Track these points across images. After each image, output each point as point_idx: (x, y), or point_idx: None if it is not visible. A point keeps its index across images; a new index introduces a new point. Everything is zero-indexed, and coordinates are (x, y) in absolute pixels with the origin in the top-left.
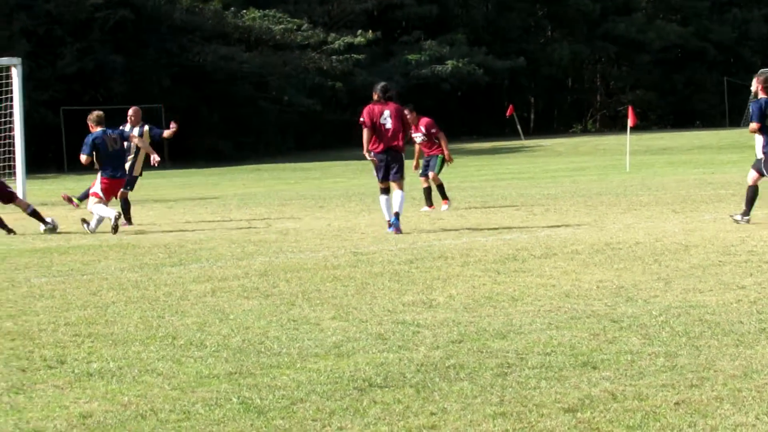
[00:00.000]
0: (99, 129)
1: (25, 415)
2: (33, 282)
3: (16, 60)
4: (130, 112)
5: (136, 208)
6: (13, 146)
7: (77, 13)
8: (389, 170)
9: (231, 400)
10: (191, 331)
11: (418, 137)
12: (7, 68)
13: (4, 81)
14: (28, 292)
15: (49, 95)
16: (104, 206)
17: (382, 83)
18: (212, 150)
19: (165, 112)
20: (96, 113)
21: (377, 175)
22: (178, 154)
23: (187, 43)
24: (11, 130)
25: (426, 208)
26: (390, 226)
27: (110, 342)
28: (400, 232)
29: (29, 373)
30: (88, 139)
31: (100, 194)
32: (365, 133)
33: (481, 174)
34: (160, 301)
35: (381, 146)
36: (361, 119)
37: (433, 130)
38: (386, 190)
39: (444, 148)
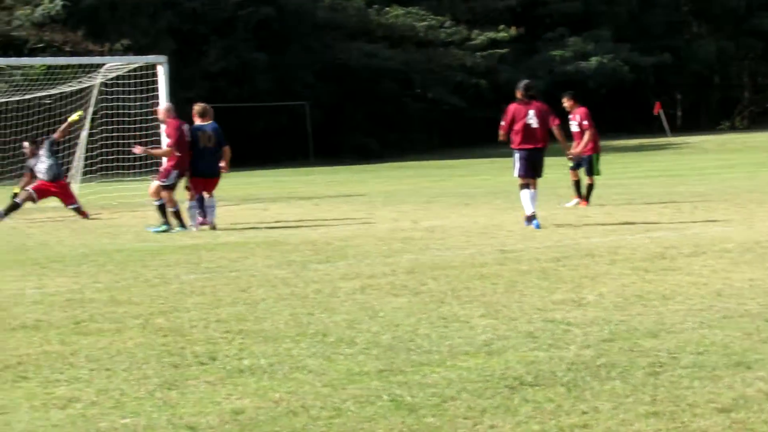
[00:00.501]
0: (200, 122)
1: (178, 411)
2: (183, 278)
3: (162, 58)
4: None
5: (282, 205)
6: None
7: (221, 11)
8: (533, 169)
9: (382, 397)
10: (341, 328)
11: (573, 126)
12: (153, 66)
13: (150, 79)
14: (178, 289)
15: (195, 93)
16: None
17: (525, 81)
18: (358, 147)
19: (310, 109)
20: (200, 105)
21: (519, 171)
22: (324, 151)
23: (331, 41)
24: (158, 127)
25: (574, 202)
26: (529, 220)
27: (261, 339)
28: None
29: (181, 369)
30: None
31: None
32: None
33: (627, 171)
34: (310, 298)
35: (527, 145)
36: (502, 122)
37: (585, 122)
38: (527, 186)
39: (582, 142)
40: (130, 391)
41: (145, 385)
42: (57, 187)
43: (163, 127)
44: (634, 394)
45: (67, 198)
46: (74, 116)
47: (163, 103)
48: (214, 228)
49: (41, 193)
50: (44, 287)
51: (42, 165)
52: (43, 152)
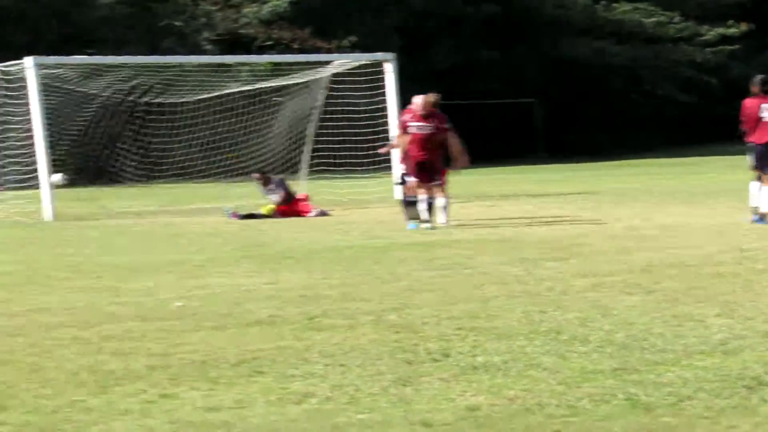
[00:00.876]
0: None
1: (413, 407)
2: (414, 275)
3: (390, 55)
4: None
5: (512, 203)
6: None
7: (448, 8)
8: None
9: (616, 396)
10: (574, 326)
11: None
12: (380, 63)
13: (377, 76)
14: (410, 286)
15: (422, 91)
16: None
17: (761, 76)
18: (586, 144)
19: (538, 106)
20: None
21: (755, 164)
22: (552, 149)
23: (558, 38)
24: (386, 124)
25: None
26: (762, 218)
27: (494, 336)
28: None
29: (415, 366)
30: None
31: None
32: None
33: None
34: (542, 295)
35: (761, 139)
36: (742, 118)
37: None
38: (759, 179)
39: None
40: (364, 387)
41: (379, 381)
42: (293, 206)
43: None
44: None
45: (306, 210)
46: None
47: (392, 100)
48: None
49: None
50: (278, 282)
51: (275, 196)
52: (273, 186)
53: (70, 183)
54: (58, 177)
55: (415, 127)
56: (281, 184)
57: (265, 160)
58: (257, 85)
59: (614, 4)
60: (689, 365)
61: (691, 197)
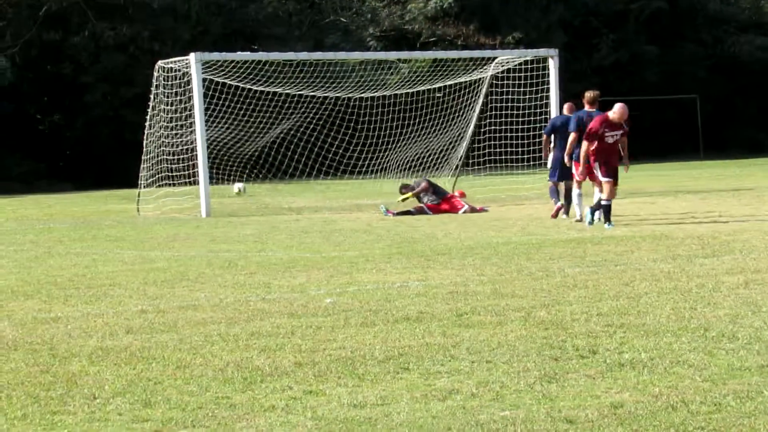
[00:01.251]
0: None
1: (557, 404)
2: (567, 272)
3: (553, 51)
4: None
5: (669, 199)
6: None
7: (613, 4)
8: None
9: (762, 393)
10: (723, 323)
11: None
12: (544, 59)
13: (540, 72)
14: (561, 282)
15: (584, 86)
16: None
17: None
18: (748, 141)
19: (700, 102)
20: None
21: None
22: (713, 146)
23: (722, 34)
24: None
25: None
26: None
27: (642, 333)
28: None
29: (561, 362)
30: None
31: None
32: None
33: None
34: (693, 292)
35: None
36: None
37: None
38: None
39: None
40: (510, 383)
41: (525, 378)
42: (444, 203)
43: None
44: None
45: (458, 207)
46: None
47: (553, 96)
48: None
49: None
50: (428, 279)
51: (429, 198)
52: (419, 190)
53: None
54: (240, 185)
55: (611, 136)
56: (427, 185)
57: (419, 158)
58: (419, 83)
59: None
60: None
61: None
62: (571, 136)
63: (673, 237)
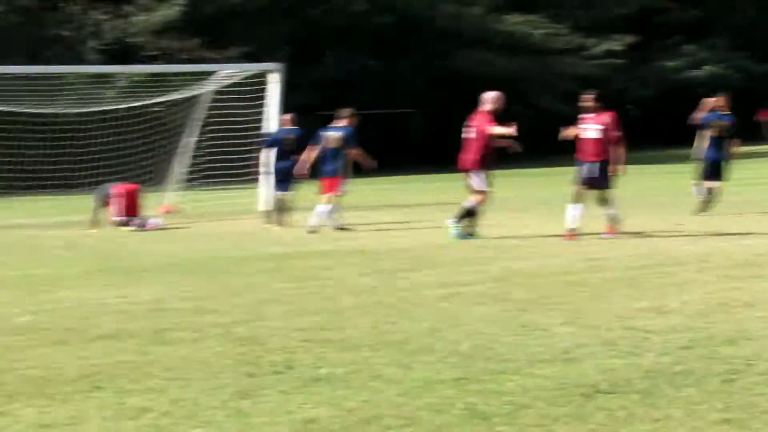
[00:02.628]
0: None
1: (251, 420)
2: (271, 287)
3: (275, 65)
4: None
5: (380, 213)
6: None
7: (339, 19)
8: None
9: (456, 405)
10: (422, 336)
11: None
12: (266, 74)
13: (263, 86)
14: (264, 297)
15: (306, 101)
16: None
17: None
18: None
19: (418, 117)
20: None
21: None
22: (432, 160)
23: (447, 49)
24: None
25: None
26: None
27: (340, 347)
28: None
29: (257, 379)
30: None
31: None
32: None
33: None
34: (394, 306)
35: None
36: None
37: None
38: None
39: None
40: (203, 400)
41: (219, 395)
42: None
43: None
44: (708, 401)
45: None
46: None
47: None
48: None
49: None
50: (128, 296)
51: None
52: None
53: None
54: None
55: None
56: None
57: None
58: (138, 98)
59: (505, 16)
60: (530, 374)
61: (559, 207)
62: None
63: (379, 251)
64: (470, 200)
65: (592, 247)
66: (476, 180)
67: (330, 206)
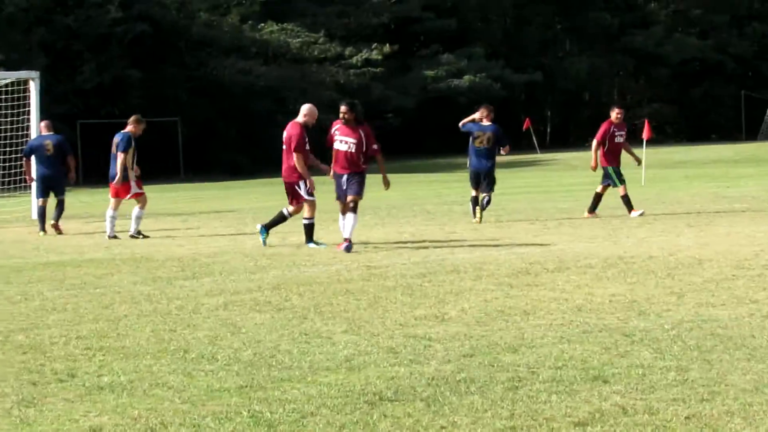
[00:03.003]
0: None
1: (35, 429)
2: (46, 295)
3: (34, 73)
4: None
5: (149, 221)
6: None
7: (96, 27)
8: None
9: (241, 413)
10: (203, 344)
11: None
12: (25, 82)
13: (22, 95)
14: (40, 306)
15: (66, 109)
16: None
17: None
18: (229, 164)
19: (182, 125)
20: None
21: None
22: (195, 168)
23: (205, 57)
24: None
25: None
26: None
27: (121, 355)
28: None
29: (40, 387)
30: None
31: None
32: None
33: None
34: (173, 314)
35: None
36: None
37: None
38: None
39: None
40: None
41: (2, 404)
42: None
43: None
44: (493, 408)
45: None
46: None
47: (34, 119)
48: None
49: None
50: None
51: None
52: None
53: None
54: None
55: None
56: None
57: None
58: None
59: (261, 24)
60: (314, 382)
61: (329, 215)
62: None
63: (154, 259)
64: (304, 215)
65: (368, 255)
66: (304, 189)
67: (115, 212)
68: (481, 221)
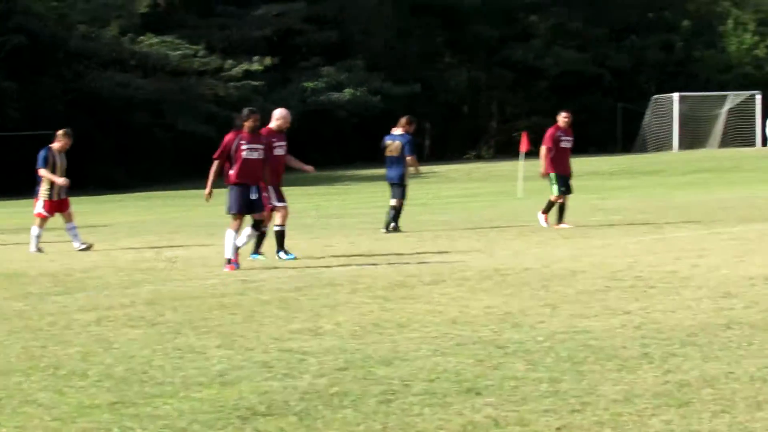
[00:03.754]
0: None
1: None
2: None
3: None
4: None
5: (24, 236)
6: None
7: None
8: None
9: (112, 430)
10: (74, 360)
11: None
12: None
13: None
14: None
15: None
16: None
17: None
18: (106, 177)
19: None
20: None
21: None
22: (71, 181)
23: (84, 70)
24: None
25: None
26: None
27: None
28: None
29: None
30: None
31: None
32: None
33: (374, 200)
34: (44, 330)
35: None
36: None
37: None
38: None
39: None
40: None
41: None
42: None
43: None
44: (365, 422)
45: None
46: None
47: None
48: None
49: None
50: None
51: None
52: None
53: None
54: None
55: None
56: None
57: None
58: None
59: (141, 37)
60: (186, 397)
61: (205, 228)
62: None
63: (26, 275)
64: (275, 222)
65: (244, 269)
66: (273, 196)
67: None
68: (387, 231)
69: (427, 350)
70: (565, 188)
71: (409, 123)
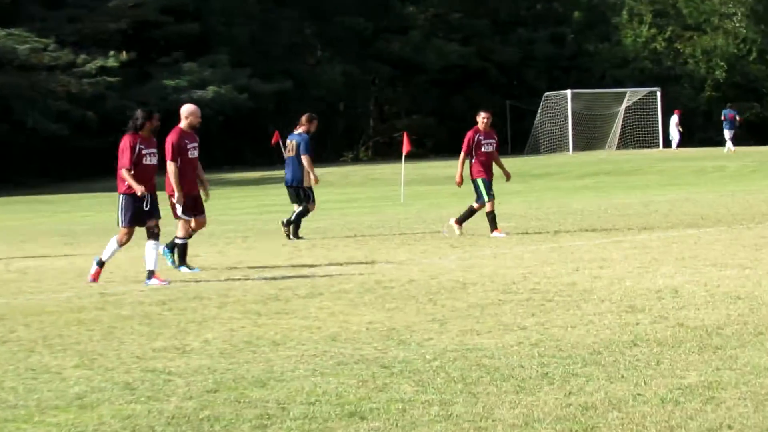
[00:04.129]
0: None
1: None
2: None
3: None
4: None
5: None
6: None
7: None
8: None
9: None
10: None
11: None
12: None
13: None
14: None
15: None
16: None
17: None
18: None
19: None
20: None
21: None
22: None
23: None
24: None
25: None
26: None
27: None
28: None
29: None
30: None
31: None
32: None
33: (243, 206)
34: None
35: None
36: None
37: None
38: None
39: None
40: None
41: None
42: None
43: None
44: None
45: None
46: None
47: None
48: None
49: None
50: None
51: None
52: None
53: None
54: None
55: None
56: None
57: None
58: None
59: None
60: (42, 422)
61: (59, 237)
62: None
63: None
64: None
65: (101, 281)
66: (178, 208)
67: None
68: (289, 237)
69: (304, 370)
70: (488, 193)
71: (308, 121)
